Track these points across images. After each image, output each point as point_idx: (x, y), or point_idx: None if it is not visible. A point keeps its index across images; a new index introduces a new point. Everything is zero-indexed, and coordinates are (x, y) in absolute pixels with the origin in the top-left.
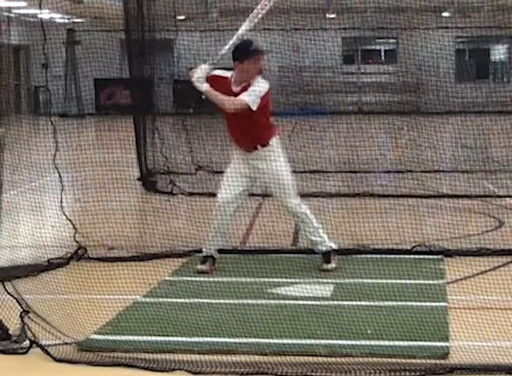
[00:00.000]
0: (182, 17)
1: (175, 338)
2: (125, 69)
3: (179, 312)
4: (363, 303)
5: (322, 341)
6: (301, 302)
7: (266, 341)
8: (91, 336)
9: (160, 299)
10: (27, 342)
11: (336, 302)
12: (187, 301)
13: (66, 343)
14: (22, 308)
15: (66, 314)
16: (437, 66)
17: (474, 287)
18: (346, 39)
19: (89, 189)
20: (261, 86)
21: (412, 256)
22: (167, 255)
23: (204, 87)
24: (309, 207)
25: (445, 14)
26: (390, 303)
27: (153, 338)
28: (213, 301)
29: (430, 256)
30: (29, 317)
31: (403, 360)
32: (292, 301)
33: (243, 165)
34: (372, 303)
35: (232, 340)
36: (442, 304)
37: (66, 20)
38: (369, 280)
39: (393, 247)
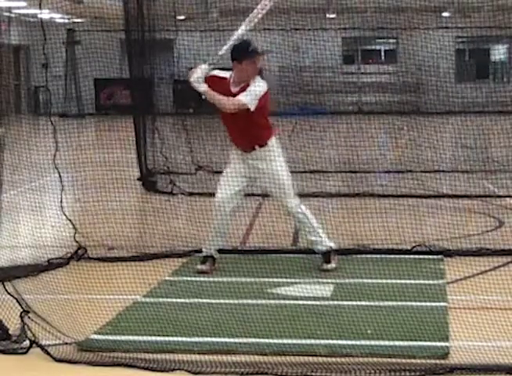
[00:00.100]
0: (182, 17)
1: (175, 338)
2: (125, 69)
3: (179, 312)
4: (363, 303)
5: (322, 341)
6: (301, 302)
7: (266, 341)
8: (91, 336)
9: (160, 299)
10: (27, 342)
11: (336, 302)
12: (187, 301)
13: (66, 343)
14: (22, 308)
15: (66, 314)
16: (437, 66)
17: (474, 287)
18: (346, 39)
19: (89, 189)
20: (259, 87)
21: (412, 256)
22: (167, 255)
23: (202, 87)
24: (309, 207)
25: (445, 14)
26: (390, 303)
27: (153, 338)
28: (213, 301)
29: (430, 256)
30: (29, 317)
31: (403, 360)
32: (292, 301)
33: (242, 165)
34: (372, 303)
35: (232, 340)
36: (442, 304)
37: (66, 20)
38: (369, 280)
39: (393, 247)
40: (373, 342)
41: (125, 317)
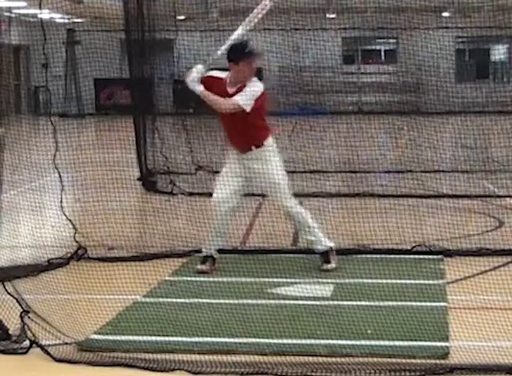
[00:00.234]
0: (182, 17)
1: (175, 338)
2: (125, 69)
3: (179, 312)
4: (363, 303)
5: (322, 341)
6: (301, 302)
7: (266, 341)
8: (91, 336)
9: (160, 299)
10: (27, 342)
11: (336, 302)
12: (187, 301)
13: (66, 343)
14: (22, 308)
15: (66, 314)
16: (437, 66)
17: (474, 287)
18: (346, 39)
19: (89, 189)
20: (255, 87)
21: (412, 256)
22: (167, 255)
23: (198, 88)
24: (307, 207)
25: (445, 14)
26: (390, 303)
27: (153, 338)
28: (213, 301)
29: (430, 256)
30: (29, 317)
31: (403, 360)
32: (292, 301)
33: (238, 165)
34: (372, 303)
35: (232, 340)
36: (442, 304)
37: (66, 20)
38: (369, 280)
39: (393, 247)
40: (373, 342)
41: (125, 317)
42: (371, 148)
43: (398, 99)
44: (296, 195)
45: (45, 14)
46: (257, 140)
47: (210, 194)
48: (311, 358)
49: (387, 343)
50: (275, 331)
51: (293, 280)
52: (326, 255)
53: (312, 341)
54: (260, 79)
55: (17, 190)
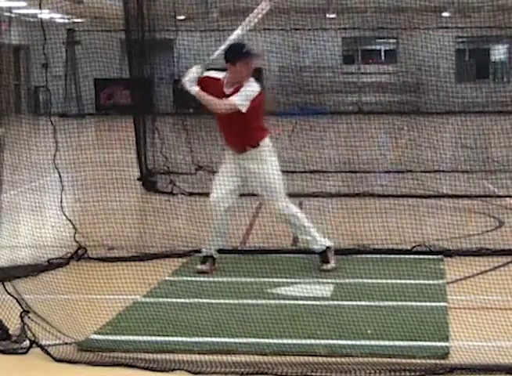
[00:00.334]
0: (182, 17)
1: (175, 338)
2: (125, 69)
3: (179, 312)
4: (363, 303)
5: (322, 341)
6: (301, 302)
7: (266, 341)
8: (91, 336)
9: (160, 299)
10: (27, 342)
11: (336, 302)
12: (187, 301)
13: (66, 343)
14: (22, 308)
15: (66, 314)
16: (437, 66)
17: (474, 287)
18: (346, 39)
19: (89, 189)
20: (251, 87)
21: (412, 256)
22: (167, 255)
23: (194, 89)
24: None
25: (445, 14)
26: (390, 303)
27: (153, 338)
28: (213, 301)
29: (430, 256)
30: (29, 317)
31: (403, 360)
32: (292, 301)
33: (235, 165)
34: (372, 303)
35: (232, 340)
36: (442, 304)
37: (66, 20)
38: (369, 280)
39: (393, 247)
40: (373, 342)
41: (125, 317)
42: (371, 148)
43: (398, 99)
44: (296, 195)
45: (45, 14)
46: (253, 140)
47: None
48: (311, 358)
49: (387, 343)
50: (275, 331)
51: (293, 280)
52: (324, 255)
53: (312, 341)
54: (256, 79)
55: (17, 190)
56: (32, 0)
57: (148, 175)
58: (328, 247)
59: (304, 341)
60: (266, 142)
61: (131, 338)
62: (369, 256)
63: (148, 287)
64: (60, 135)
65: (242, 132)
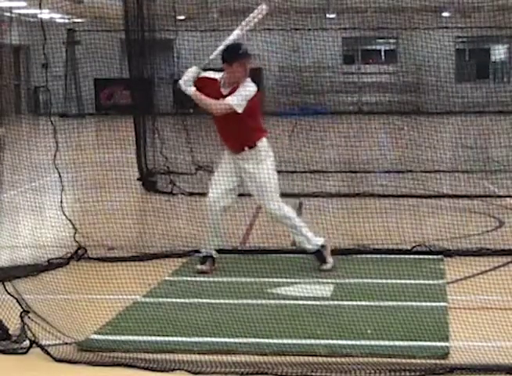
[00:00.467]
0: (182, 17)
1: (175, 338)
2: (125, 69)
3: (179, 312)
4: (363, 303)
5: (322, 341)
6: (301, 302)
7: (266, 341)
8: (91, 336)
9: (160, 299)
10: (27, 342)
11: (336, 302)
12: (187, 301)
13: (66, 343)
14: (22, 308)
15: (66, 314)
16: (437, 66)
17: (474, 287)
18: (346, 39)
19: (89, 189)
20: (248, 87)
21: (412, 256)
22: (167, 255)
23: (190, 90)
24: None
25: (445, 14)
26: (390, 303)
27: (153, 338)
28: (213, 301)
29: (430, 256)
30: (29, 317)
31: (403, 360)
32: (292, 301)
33: (232, 165)
34: (372, 303)
35: (232, 340)
36: (442, 304)
37: (66, 20)
38: (369, 280)
39: (393, 247)
40: (373, 342)
41: (125, 317)
42: (371, 148)
43: (398, 99)
44: (296, 195)
45: (45, 14)
46: (250, 141)
47: None
48: (311, 358)
49: (387, 343)
50: (275, 331)
51: (293, 280)
52: (319, 255)
53: (312, 341)
54: (256, 80)
55: (17, 190)
56: (32, 0)
57: (148, 175)
58: (322, 246)
59: (304, 341)
60: (263, 142)
61: (131, 338)
62: (369, 256)
63: (148, 287)
64: (60, 135)
65: (239, 133)
